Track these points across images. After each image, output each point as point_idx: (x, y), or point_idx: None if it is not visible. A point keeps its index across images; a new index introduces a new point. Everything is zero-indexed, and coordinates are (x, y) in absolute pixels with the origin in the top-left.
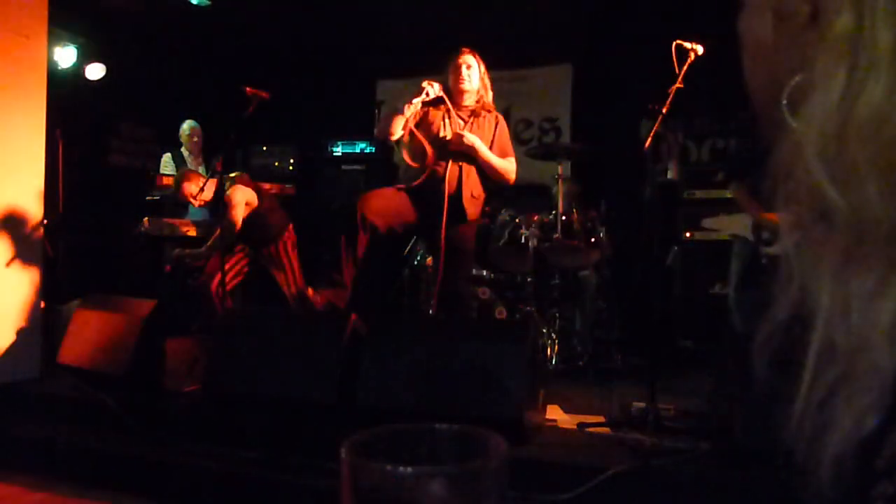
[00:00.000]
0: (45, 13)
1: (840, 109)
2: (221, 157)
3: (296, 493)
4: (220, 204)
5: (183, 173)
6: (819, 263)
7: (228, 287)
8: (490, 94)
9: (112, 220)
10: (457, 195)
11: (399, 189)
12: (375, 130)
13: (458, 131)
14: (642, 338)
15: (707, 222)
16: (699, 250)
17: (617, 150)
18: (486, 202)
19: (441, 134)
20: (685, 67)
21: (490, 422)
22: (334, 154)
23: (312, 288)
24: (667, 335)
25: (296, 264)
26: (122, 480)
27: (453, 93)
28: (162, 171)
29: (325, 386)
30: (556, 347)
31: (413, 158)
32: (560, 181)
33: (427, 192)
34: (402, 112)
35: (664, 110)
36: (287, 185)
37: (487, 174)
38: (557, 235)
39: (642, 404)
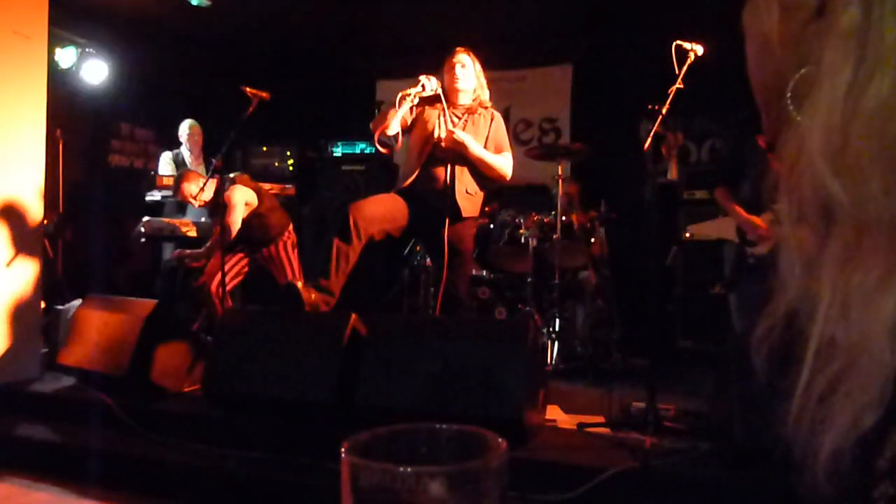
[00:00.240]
0: (46, 13)
1: (846, 103)
2: (221, 157)
3: (296, 493)
4: (219, 204)
5: (183, 173)
6: (820, 258)
7: (228, 287)
8: (486, 92)
9: (112, 220)
10: (451, 193)
11: (393, 192)
12: (371, 125)
13: (450, 129)
14: (642, 338)
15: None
16: (699, 250)
17: (617, 150)
18: (486, 201)
19: (435, 133)
20: (685, 68)
21: (490, 422)
22: (334, 154)
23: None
24: (667, 335)
25: (296, 264)
26: (122, 480)
27: (448, 92)
28: (162, 172)
29: (324, 386)
30: (556, 347)
31: (407, 157)
32: (560, 181)
33: (420, 192)
34: (396, 105)
35: (664, 110)
36: (287, 186)
37: (482, 171)
38: (557, 235)
39: (642, 404)
